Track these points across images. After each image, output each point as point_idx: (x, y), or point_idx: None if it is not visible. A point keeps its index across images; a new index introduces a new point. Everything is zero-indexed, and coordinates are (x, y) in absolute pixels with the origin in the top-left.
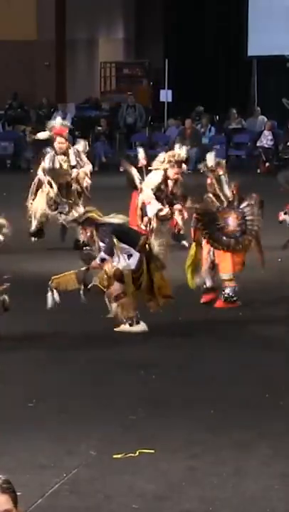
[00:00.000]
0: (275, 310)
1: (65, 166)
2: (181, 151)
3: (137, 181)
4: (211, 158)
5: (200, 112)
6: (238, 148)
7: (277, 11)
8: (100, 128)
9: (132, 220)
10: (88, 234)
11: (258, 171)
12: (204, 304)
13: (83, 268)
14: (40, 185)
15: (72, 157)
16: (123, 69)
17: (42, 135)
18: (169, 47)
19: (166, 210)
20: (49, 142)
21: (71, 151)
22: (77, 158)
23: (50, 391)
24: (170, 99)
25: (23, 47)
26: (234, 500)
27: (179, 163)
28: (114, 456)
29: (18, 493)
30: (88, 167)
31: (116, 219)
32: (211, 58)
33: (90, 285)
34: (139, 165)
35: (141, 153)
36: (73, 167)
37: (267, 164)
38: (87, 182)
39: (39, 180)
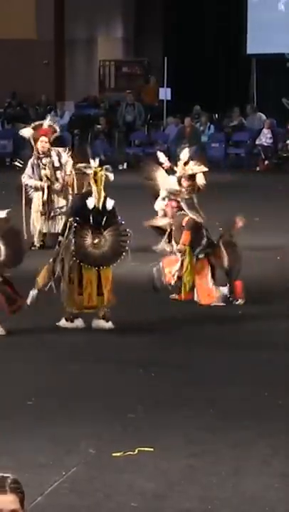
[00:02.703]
0: (274, 309)
1: (47, 170)
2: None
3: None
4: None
5: (198, 110)
6: (238, 147)
7: (276, 9)
8: (99, 126)
9: None
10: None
11: (257, 169)
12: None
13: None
14: (27, 194)
15: (54, 158)
16: (122, 67)
17: (25, 132)
18: (168, 45)
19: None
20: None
21: (53, 153)
22: (61, 160)
23: (49, 389)
24: (169, 98)
25: (22, 46)
26: (233, 499)
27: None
28: (114, 455)
29: None
30: (70, 163)
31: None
32: (210, 57)
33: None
34: (165, 168)
35: (162, 156)
36: (56, 169)
37: (266, 162)
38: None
39: (25, 189)
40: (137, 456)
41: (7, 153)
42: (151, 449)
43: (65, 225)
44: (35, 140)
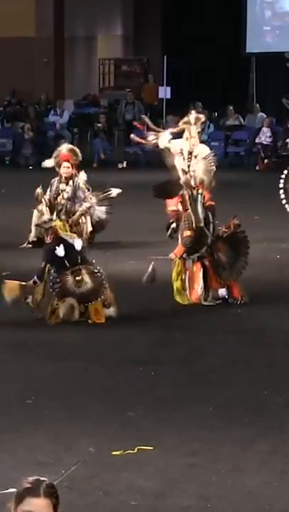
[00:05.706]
0: (274, 306)
1: (59, 197)
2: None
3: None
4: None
5: (199, 107)
6: (237, 145)
7: (275, 8)
8: (98, 125)
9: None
10: (49, 241)
11: (257, 167)
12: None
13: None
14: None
15: (69, 188)
16: (122, 66)
17: (48, 163)
18: (168, 44)
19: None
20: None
21: (73, 182)
22: (78, 193)
23: (49, 388)
24: (169, 96)
25: (21, 44)
26: (233, 497)
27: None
28: (113, 453)
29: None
30: (85, 205)
31: (73, 240)
32: (210, 55)
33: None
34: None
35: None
36: (68, 200)
37: (265, 161)
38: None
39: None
40: (136, 454)
41: (7, 152)
42: (151, 448)
43: (42, 268)
44: (59, 166)
